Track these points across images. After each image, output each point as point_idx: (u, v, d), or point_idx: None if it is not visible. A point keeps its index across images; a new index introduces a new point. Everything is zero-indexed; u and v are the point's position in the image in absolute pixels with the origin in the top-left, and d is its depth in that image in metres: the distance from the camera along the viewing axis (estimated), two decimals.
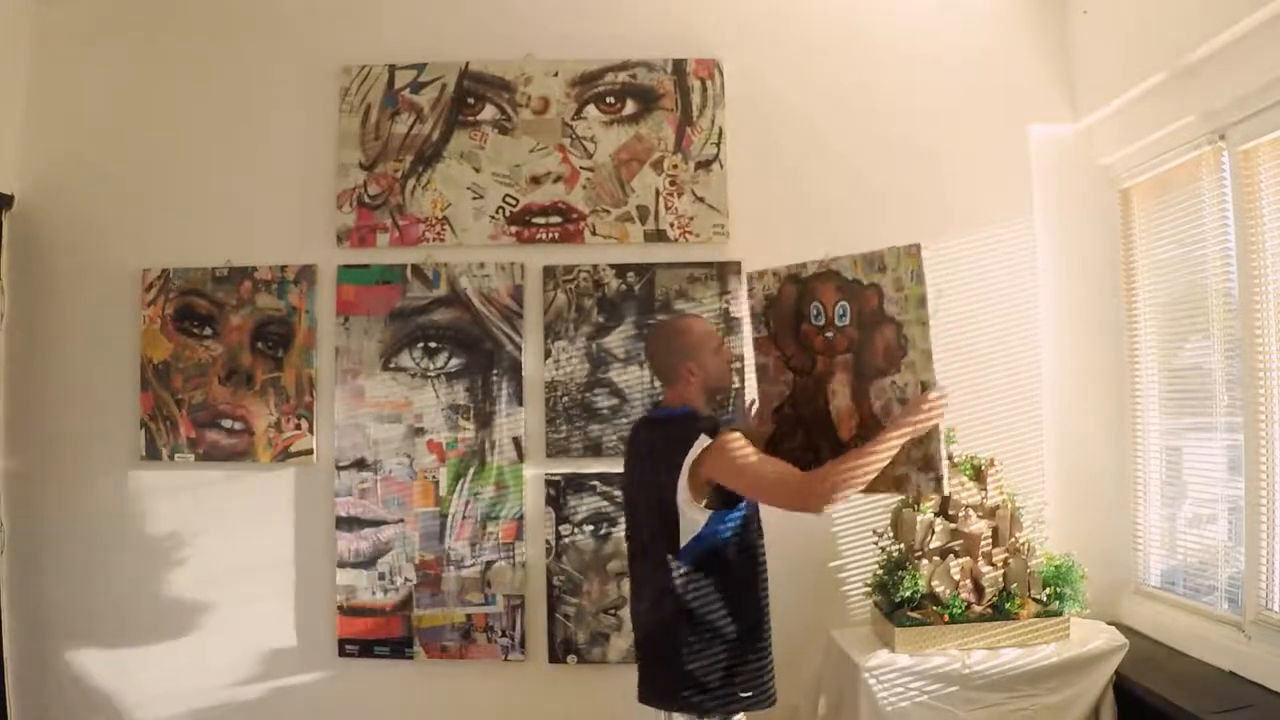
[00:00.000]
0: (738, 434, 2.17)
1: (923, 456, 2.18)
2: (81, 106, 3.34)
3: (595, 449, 3.17)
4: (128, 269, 3.27)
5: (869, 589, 2.95)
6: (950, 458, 2.87)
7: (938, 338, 2.18)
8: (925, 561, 2.72)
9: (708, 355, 2.31)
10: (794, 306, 2.50)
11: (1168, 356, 3.03)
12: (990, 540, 2.76)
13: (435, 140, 3.26)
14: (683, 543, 2.17)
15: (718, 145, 3.23)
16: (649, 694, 2.25)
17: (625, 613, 3.11)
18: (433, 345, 3.22)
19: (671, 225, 3.21)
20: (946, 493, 2.40)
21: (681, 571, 2.18)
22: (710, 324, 2.47)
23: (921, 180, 3.22)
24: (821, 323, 2.44)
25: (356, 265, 3.25)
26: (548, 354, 3.20)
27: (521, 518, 3.18)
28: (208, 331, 3.26)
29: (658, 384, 3.11)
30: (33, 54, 3.35)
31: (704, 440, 2.15)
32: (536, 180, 3.24)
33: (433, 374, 3.22)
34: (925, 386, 2.17)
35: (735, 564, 2.20)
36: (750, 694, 2.19)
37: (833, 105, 3.25)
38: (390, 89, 3.28)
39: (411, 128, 3.27)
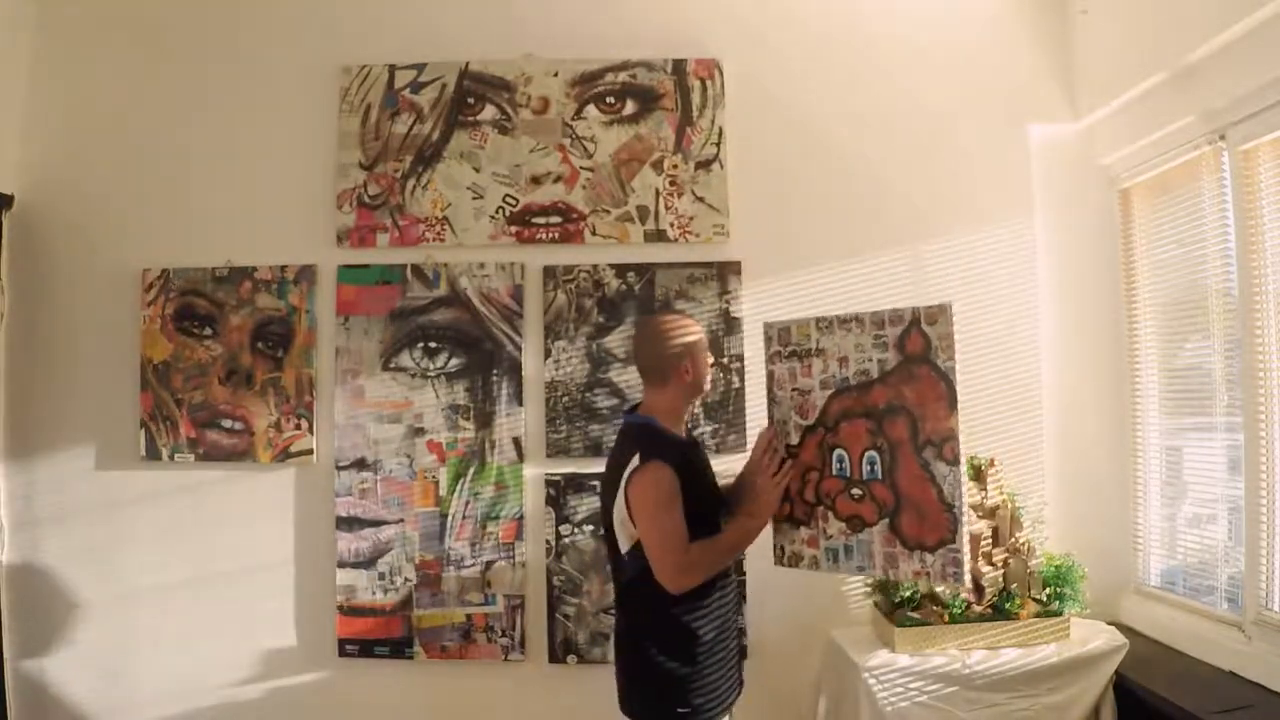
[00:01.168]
0: (663, 472, 2.11)
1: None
2: (81, 106, 3.34)
3: (595, 449, 3.16)
4: (128, 269, 3.27)
5: (869, 589, 2.95)
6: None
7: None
8: None
9: (700, 355, 2.29)
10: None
11: (1168, 356, 3.03)
12: (990, 540, 2.76)
13: (435, 140, 3.26)
14: (625, 556, 2.21)
15: (718, 145, 3.23)
16: (621, 701, 2.29)
17: None
18: (433, 345, 3.22)
19: (671, 225, 3.21)
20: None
21: (624, 580, 2.23)
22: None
23: (922, 180, 3.22)
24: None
25: (356, 265, 3.25)
26: (548, 354, 3.20)
27: (521, 518, 3.18)
28: (208, 331, 3.26)
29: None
30: (33, 54, 3.35)
31: (635, 462, 2.14)
32: (536, 180, 3.24)
33: (433, 374, 3.22)
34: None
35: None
36: (687, 709, 2.18)
37: (833, 105, 3.25)
38: (390, 89, 3.28)
39: (411, 128, 3.27)
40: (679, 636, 2.18)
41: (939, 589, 2.70)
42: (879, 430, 2.29)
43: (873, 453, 2.29)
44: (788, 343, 2.45)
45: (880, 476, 2.29)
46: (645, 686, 2.21)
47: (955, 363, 2.21)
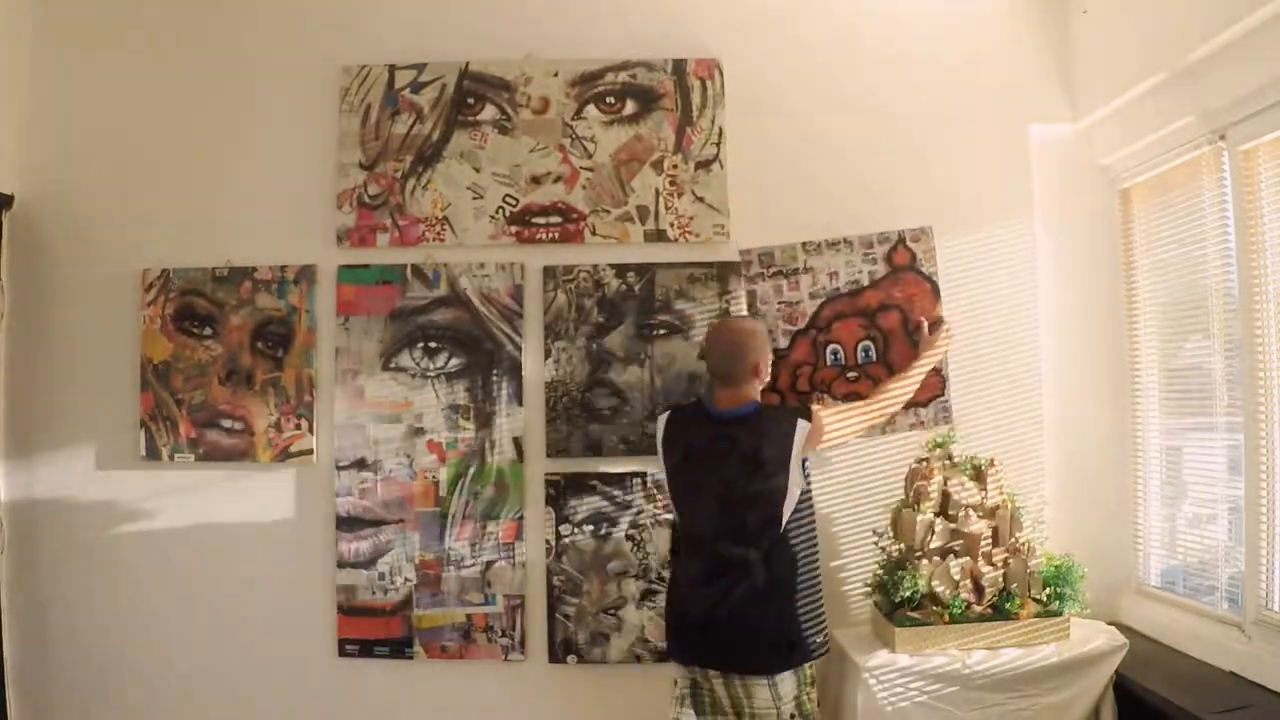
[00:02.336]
0: (822, 406, 2.64)
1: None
2: (81, 106, 3.34)
3: (595, 449, 3.17)
4: (128, 269, 3.27)
5: (869, 589, 2.95)
6: (951, 457, 2.89)
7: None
8: (925, 561, 2.72)
9: (769, 352, 2.70)
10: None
11: (1168, 356, 3.03)
12: (990, 540, 2.76)
13: (435, 140, 3.26)
14: (785, 520, 2.47)
15: (718, 145, 3.23)
16: (747, 667, 2.47)
17: (625, 612, 3.12)
18: (433, 345, 3.22)
19: (671, 225, 3.21)
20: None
21: (783, 542, 2.48)
22: None
23: (921, 180, 3.21)
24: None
25: (356, 265, 3.25)
26: (548, 354, 3.20)
27: (521, 518, 3.18)
28: (208, 331, 3.26)
29: (657, 383, 3.15)
30: (33, 54, 3.35)
31: (804, 425, 2.52)
32: (536, 180, 3.24)
33: (433, 374, 3.22)
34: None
35: (811, 518, 2.57)
36: (824, 637, 2.56)
37: (833, 105, 3.25)
38: (390, 89, 3.28)
39: (411, 128, 3.27)
40: (816, 573, 2.56)
41: (935, 434, 2.95)
42: (872, 324, 2.86)
43: (867, 342, 2.85)
44: (770, 264, 2.94)
45: (875, 359, 2.87)
46: (802, 628, 2.48)
47: (937, 268, 2.90)
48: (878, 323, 2.89)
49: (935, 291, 2.90)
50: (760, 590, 2.46)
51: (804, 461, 2.52)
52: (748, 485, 2.48)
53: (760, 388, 2.63)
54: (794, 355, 2.81)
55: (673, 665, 2.64)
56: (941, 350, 2.87)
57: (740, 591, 2.46)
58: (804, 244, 2.93)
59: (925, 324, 2.89)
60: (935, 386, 2.87)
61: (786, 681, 2.46)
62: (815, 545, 2.57)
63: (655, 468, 3.13)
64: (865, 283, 2.93)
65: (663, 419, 2.72)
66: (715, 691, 2.54)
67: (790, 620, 2.47)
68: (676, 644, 2.63)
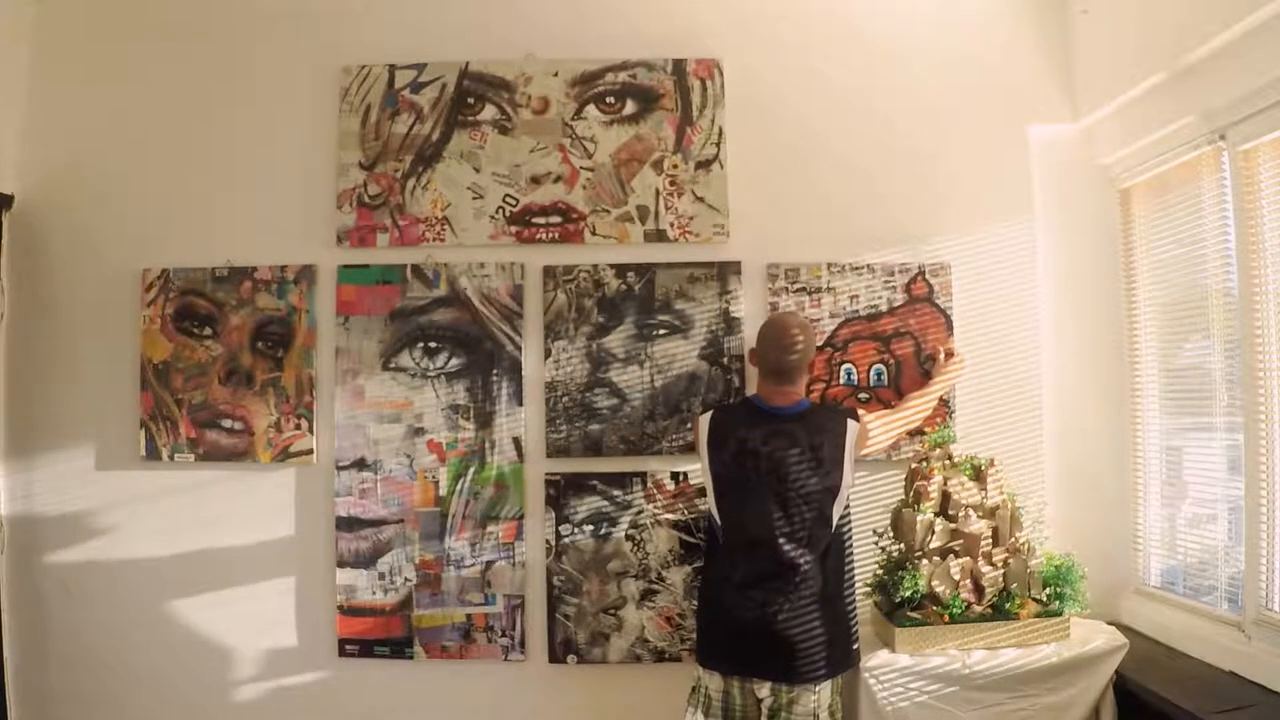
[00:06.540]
0: (865, 411, 2.73)
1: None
2: (81, 106, 3.33)
3: (595, 449, 3.16)
4: (128, 269, 3.27)
5: (869, 589, 2.95)
6: (951, 457, 2.89)
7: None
8: (925, 561, 2.72)
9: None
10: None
11: (1168, 356, 3.03)
12: (990, 540, 2.76)
13: (435, 140, 3.26)
14: (835, 519, 2.52)
15: (718, 145, 3.23)
16: (798, 673, 2.45)
17: (625, 612, 3.12)
18: (433, 345, 3.22)
19: (671, 225, 3.21)
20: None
21: (833, 544, 2.53)
22: None
23: (921, 180, 3.21)
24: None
25: (356, 265, 3.25)
26: (548, 354, 3.20)
27: (521, 518, 3.18)
28: (208, 331, 3.26)
29: (657, 383, 3.14)
30: (33, 54, 3.35)
31: (854, 425, 2.58)
32: (536, 180, 3.24)
33: (433, 374, 3.22)
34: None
35: (851, 523, 2.64)
36: (859, 644, 2.59)
37: (833, 105, 3.25)
38: (390, 89, 3.28)
39: (411, 128, 3.27)
40: (855, 578, 2.62)
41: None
42: (886, 349, 3.01)
43: (880, 366, 2.99)
44: (795, 280, 3.07)
45: (886, 384, 3.01)
46: (850, 628, 2.55)
47: (952, 302, 3.06)
48: (892, 348, 3.04)
49: (948, 325, 3.07)
50: (817, 594, 2.47)
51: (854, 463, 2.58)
52: (807, 482, 2.49)
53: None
54: (811, 371, 2.85)
55: (697, 668, 2.62)
56: (954, 378, 3.01)
57: (797, 595, 2.45)
58: (829, 264, 3.08)
59: (941, 352, 3.04)
60: (942, 415, 3.05)
61: (827, 688, 2.46)
62: (852, 550, 2.63)
63: (661, 466, 3.14)
64: (884, 309, 3.08)
65: (705, 419, 2.68)
66: (747, 702, 2.51)
67: (838, 625, 2.50)
68: (716, 651, 2.55)
